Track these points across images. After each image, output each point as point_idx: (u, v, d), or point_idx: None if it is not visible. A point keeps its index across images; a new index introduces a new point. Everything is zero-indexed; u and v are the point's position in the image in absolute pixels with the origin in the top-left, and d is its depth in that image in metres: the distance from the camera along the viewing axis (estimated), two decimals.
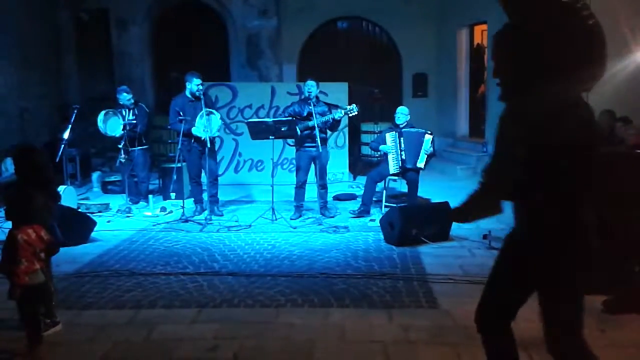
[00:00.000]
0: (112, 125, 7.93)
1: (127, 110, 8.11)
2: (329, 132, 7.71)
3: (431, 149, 7.49)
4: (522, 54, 2.36)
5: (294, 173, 7.82)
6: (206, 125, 7.27)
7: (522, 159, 2.34)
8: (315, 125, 7.10)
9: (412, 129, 7.66)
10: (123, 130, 7.90)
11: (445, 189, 9.04)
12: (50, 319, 4.14)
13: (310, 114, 7.20)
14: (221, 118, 7.69)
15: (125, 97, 8.09)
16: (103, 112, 7.93)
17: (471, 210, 2.58)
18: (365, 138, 11.16)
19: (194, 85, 7.42)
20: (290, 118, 7.26)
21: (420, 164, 7.47)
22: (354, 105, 7.42)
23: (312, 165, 7.50)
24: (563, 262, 2.45)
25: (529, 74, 2.36)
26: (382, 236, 6.46)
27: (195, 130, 7.33)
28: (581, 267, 2.49)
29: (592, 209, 2.48)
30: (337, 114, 7.30)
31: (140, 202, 8.33)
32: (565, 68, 2.30)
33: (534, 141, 2.31)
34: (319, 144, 7.11)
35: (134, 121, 8.03)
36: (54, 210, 4.07)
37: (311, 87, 7.31)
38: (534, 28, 2.33)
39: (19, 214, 3.84)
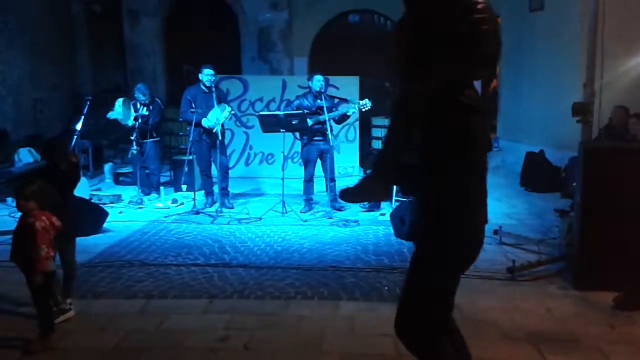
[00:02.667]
0: (127, 113, 7.97)
1: (142, 106, 8.14)
2: (336, 126, 7.70)
3: None
4: (411, 45, 2.47)
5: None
6: (218, 117, 7.29)
7: (411, 144, 2.45)
8: (326, 120, 7.12)
9: None
10: (134, 121, 7.94)
11: None
12: (57, 306, 4.18)
13: (320, 108, 7.20)
14: (231, 111, 7.68)
15: (140, 98, 8.12)
16: (121, 99, 7.97)
17: (360, 193, 2.72)
18: (376, 132, 11.12)
19: (204, 75, 7.45)
20: (301, 111, 7.26)
21: None
22: (367, 100, 7.40)
23: (319, 160, 7.51)
24: (438, 243, 2.49)
25: (416, 63, 2.45)
26: (392, 230, 6.45)
27: (205, 122, 7.35)
28: (456, 253, 2.52)
29: (483, 195, 2.53)
30: (350, 109, 7.30)
31: (152, 194, 8.38)
32: (450, 59, 2.39)
33: (419, 123, 2.43)
34: (330, 137, 7.12)
35: (147, 115, 8.06)
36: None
37: (319, 81, 7.29)
38: (423, 23, 2.43)
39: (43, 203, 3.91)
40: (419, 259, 2.56)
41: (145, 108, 8.09)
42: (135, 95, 8.17)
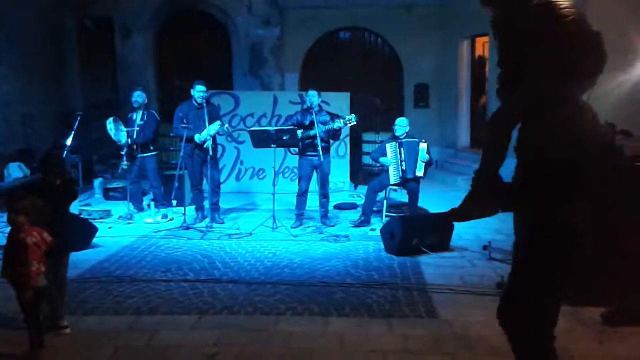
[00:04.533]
0: (118, 132, 7.92)
1: (136, 113, 8.06)
2: (331, 141, 7.75)
3: (427, 156, 7.50)
4: (509, 53, 2.54)
5: (295, 182, 7.83)
6: (208, 131, 7.31)
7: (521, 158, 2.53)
8: (317, 134, 7.15)
9: (411, 139, 7.67)
10: (127, 138, 7.91)
11: (446, 199, 9.02)
12: (55, 321, 4.16)
13: (312, 123, 7.25)
14: (222, 125, 7.65)
15: (139, 101, 8.03)
16: (111, 118, 7.91)
17: (470, 210, 2.76)
18: (366, 148, 11.19)
19: (196, 91, 7.48)
20: (293, 127, 7.31)
21: (419, 172, 7.50)
22: (353, 115, 7.50)
23: (314, 174, 7.54)
24: (542, 259, 2.59)
25: (515, 72, 2.53)
26: (382, 245, 6.47)
27: (197, 137, 7.36)
28: (559, 271, 2.64)
29: (585, 213, 2.59)
30: (337, 123, 7.36)
31: (146, 210, 8.33)
32: (551, 66, 2.46)
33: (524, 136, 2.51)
34: (321, 153, 7.15)
35: (141, 126, 7.98)
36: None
37: (312, 96, 7.38)
38: (518, 27, 2.49)
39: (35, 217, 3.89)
40: (535, 260, 2.62)
41: (139, 116, 8.01)
42: (132, 101, 8.12)
